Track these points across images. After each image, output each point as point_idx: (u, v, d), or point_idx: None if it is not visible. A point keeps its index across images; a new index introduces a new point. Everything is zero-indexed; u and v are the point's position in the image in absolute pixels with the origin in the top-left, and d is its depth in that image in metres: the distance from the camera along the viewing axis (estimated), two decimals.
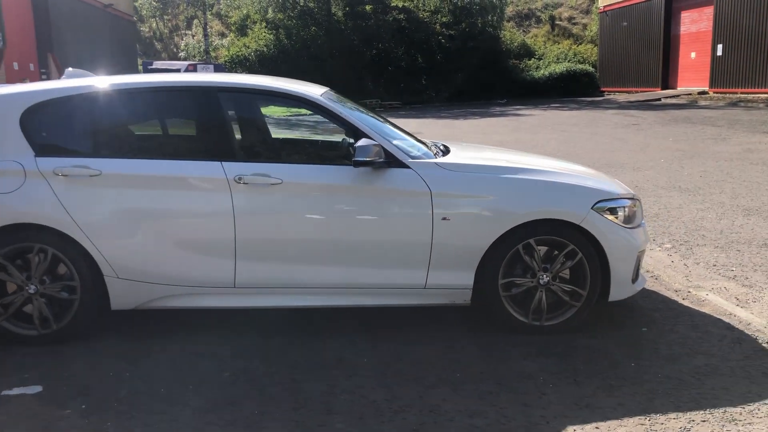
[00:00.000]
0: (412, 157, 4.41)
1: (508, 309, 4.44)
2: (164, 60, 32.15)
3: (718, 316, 4.83)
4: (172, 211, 4.26)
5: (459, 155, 4.80)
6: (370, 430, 3.31)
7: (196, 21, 35.50)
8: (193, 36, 35.17)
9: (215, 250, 4.26)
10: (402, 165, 4.33)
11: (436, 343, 4.34)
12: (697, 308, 5.00)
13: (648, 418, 3.43)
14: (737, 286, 5.50)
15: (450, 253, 4.35)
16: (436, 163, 4.40)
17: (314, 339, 4.39)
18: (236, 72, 31.74)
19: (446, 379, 3.85)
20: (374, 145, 4.19)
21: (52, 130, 4.34)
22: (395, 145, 4.41)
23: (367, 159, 4.13)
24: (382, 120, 5.44)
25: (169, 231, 4.26)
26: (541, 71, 34.21)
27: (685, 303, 5.11)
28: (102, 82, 4.47)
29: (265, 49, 31.49)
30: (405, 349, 4.24)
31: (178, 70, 25.02)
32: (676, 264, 6.13)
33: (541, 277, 4.41)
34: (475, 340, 4.38)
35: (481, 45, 33.25)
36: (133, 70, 26.67)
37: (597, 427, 3.35)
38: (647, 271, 5.85)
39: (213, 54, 32.49)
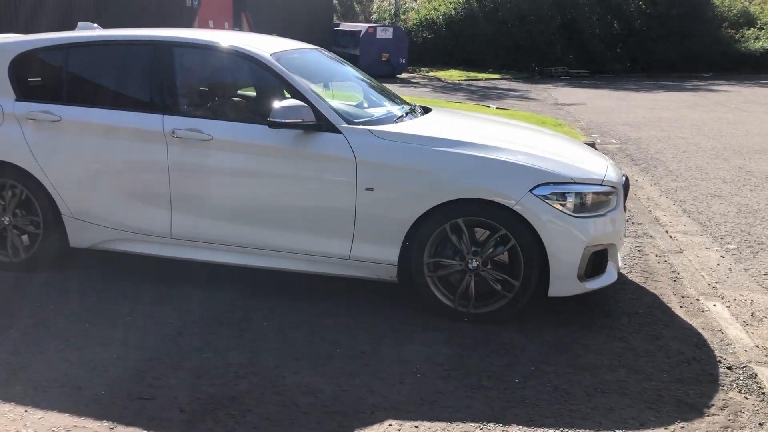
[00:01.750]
0: (351, 122, 4.22)
1: (433, 291, 4.15)
2: (351, 22, 33.07)
3: (700, 331, 4.15)
4: (118, 160, 4.49)
5: (413, 123, 4.53)
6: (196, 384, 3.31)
7: None
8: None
9: (154, 200, 4.44)
10: (334, 129, 4.17)
11: (346, 317, 4.19)
12: (686, 318, 4.33)
13: (480, 426, 3.07)
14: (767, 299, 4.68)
15: (374, 226, 4.14)
16: (369, 130, 4.18)
17: (236, 296, 4.42)
18: (421, 35, 31.87)
19: (316, 354, 3.71)
20: (298, 106, 4.07)
21: (32, 77, 4.73)
22: (332, 108, 4.24)
23: (284, 120, 4.03)
24: (367, 81, 5.28)
25: (116, 178, 4.50)
26: (761, 42, 30.45)
27: (678, 311, 4.44)
28: (79, 35, 4.79)
29: (453, 12, 31.17)
30: (313, 320, 4.13)
31: (358, 32, 25.73)
32: (719, 267, 5.32)
33: (470, 260, 4.06)
34: (387, 320, 4.16)
35: (690, 11, 30.24)
36: (327, 32, 27.76)
37: (416, 426, 3.07)
38: (674, 272, 5.14)
39: (403, 17, 32.82)
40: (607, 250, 4.20)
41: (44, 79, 4.72)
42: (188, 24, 20.88)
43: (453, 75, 27.45)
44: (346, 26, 27.57)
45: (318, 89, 4.53)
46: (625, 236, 4.68)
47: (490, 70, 29.22)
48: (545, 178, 3.98)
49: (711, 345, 3.96)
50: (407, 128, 4.32)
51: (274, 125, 4.03)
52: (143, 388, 3.29)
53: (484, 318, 4.11)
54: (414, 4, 34.73)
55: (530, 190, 3.93)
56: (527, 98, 19.62)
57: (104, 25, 5.55)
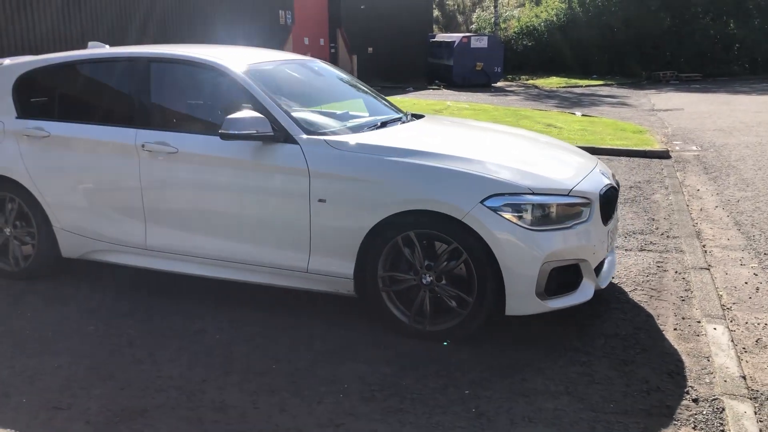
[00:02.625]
0: (311, 133, 4.13)
1: (388, 306, 3.98)
2: (452, 33, 32.88)
3: (683, 357, 3.74)
4: (98, 173, 4.62)
5: (383, 132, 4.39)
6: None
7: None
8: (486, 9, 35.30)
9: (130, 212, 4.53)
10: (292, 140, 4.10)
11: (299, 332, 4.08)
12: (673, 342, 3.92)
13: None
14: None
15: (328, 238, 4.03)
16: (325, 140, 4.07)
17: (202, 308, 4.42)
18: (522, 43, 31.22)
19: (249, 369, 3.62)
20: (252, 117, 4.02)
21: (32, 95, 4.97)
22: (292, 119, 4.17)
23: (237, 132, 3.99)
24: (362, 90, 5.19)
25: (96, 191, 4.64)
26: None
27: (669, 334, 4.03)
28: (69, 55, 4.99)
29: (555, 19, 30.36)
30: (265, 334, 4.06)
31: (452, 42, 25.56)
32: (745, 286, 4.81)
33: (423, 275, 3.86)
34: (341, 336, 4.01)
35: None
36: (424, 43, 27.76)
37: None
38: (687, 290, 4.69)
39: (503, 25, 32.29)
40: (579, 266, 3.88)
41: (41, 98, 4.95)
42: (282, 41, 21.50)
43: (552, 82, 26.70)
44: (441, 37, 27.47)
45: (291, 100, 4.49)
46: (610, 249, 4.29)
47: (594, 76, 28.22)
48: (498, 188, 3.72)
49: (687, 374, 3.55)
50: (368, 138, 4.18)
51: (226, 137, 4.00)
52: (64, 398, 3.34)
53: (441, 336, 3.89)
54: (515, 12, 34.13)
55: (481, 202, 3.69)
56: (623, 104, 18.75)
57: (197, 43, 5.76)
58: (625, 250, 5.61)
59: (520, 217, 3.68)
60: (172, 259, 4.50)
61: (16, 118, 4.90)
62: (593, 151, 10.31)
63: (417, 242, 3.83)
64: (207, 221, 4.32)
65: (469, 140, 4.53)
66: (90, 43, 5.50)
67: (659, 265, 5.24)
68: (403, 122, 4.83)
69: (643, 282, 4.87)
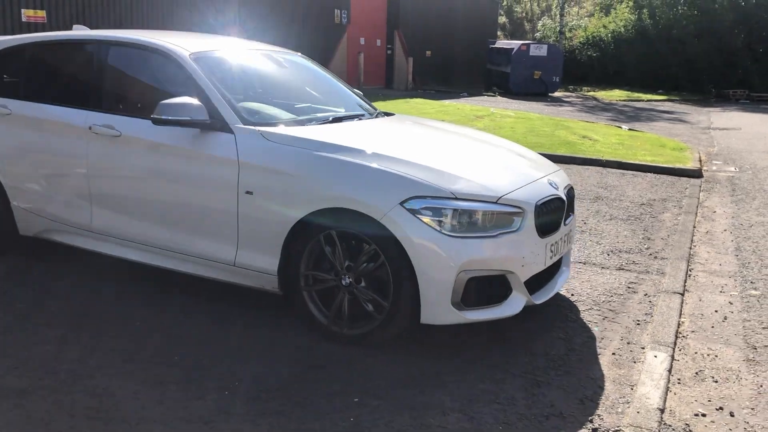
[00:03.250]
0: (251, 123, 4.04)
1: (309, 306, 3.85)
2: (515, 40, 32.35)
3: (606, 384, 3.49)
4: (51, 153, 4.66)
5: (330, 127, 4.29)
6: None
7: (567, 1, 34.88)
8: (554, 17, 34.55)
9: (78, 194, 4.55)
10: (227, 129, 4.02)
11: (222, 326, 4.01)
12: (603, 368, 3.66)
13: None
14: (737, 358, 3.87)
15: (255, 232, 3.93)
16: (259, 131, 3.97)
17: (144, 295, 4.39)
18: (586, 54, 30.45)
19: (149, 359, 3.55)
20: (187, 104, 3.96)
21: (2, 74, 5.06)
22: (232, 108, 4.08)
23: (169, 117, 3.94)
24: (335, 85, 5.12)
25: (49, 170, 4.68)
26: None
27: (604, 358, 3.77)
28: (38, 36, 5.05)
29: (622, 30, 29.48)
30: (190, 324, 3.99)
31: (510, 50, 25.15)
32: (713, 315, 4.49)
33: (343, 277, 3.72)
34: (261, 333, 3.91)
35: None
36: (484, 49, 27.41)
37: None
38: (647, 314, 4.40)
39: (568, 35, 31.57)
40: (507, 278, 3.66)
41: (10, 76, 5.03)
42: (335, 41, 21.57)
43: (613, 95, 25.97)
44: (501, 44, 27.08)
45: (245, 90, 4.44)
46: (554, 263, 4.05)
47: (660, 91, 27.30)
48: (419, 190, 3.54)
49: (600, 401, 3.30)
50: (307, 132, 4.06)
51: (157, 122, 3.96)
52: None
53: (360, 340, 3.74)
54: (581, 21, 33.33)
55: (401, 203, 3.52)
56: (679, 121, 18.07)
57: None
58: (602, 267, 5.32)
59: (439, 222, 3.50)
60: (114, 243, 4.49)
61: None
62: (619, 165, 9.94)
63: (338, 242, 3.70)
64: (144, 207, 4.29)
65: (415, 141, 4.37)
66: (74, 26, 5.57)
67: (630, 286, 4.94)
68: (361, 119, 4.70)
69: (603, 302, 4.59)
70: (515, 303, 3.73)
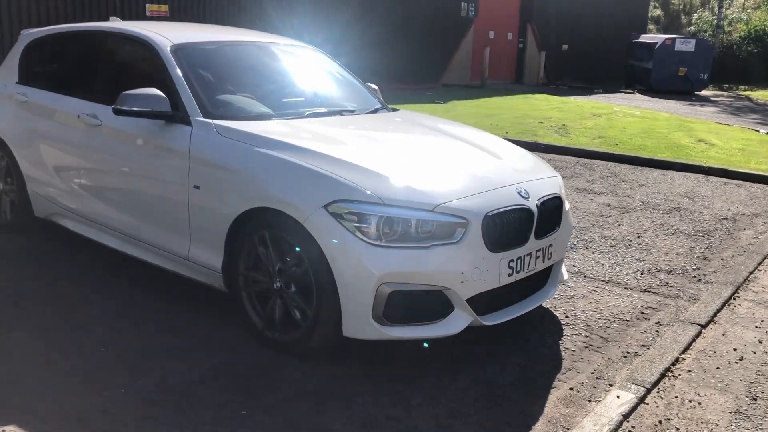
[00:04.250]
0: (213, 117, 3.94)
1: (247, 308, 3.69)
2: (667, 34, 30.13)
3: (536, 425, 3.06)
4: (51, 139, 4.82)
5: (288, 122, 4.09)
6: None
7: None
8: (713, 9, 31.75)
9: (72, 180, 4.67)
10: (187, 122, 3.94)
11: (154, 318, 3.93)
12: (549, 404, 3.22)
13: None
14: (724, 409, 3.28)
15: (201, 228, 3.82)
16: (214, 124, 3.85)
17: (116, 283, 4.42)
18: (746, 49, 27.79)
19: (50, 354, 3.48)
20: (149, 95, 3.91)
21: (32, 63, 5.31)
22: (198, 100, 3.98)
23: (130, 108, 3.91)
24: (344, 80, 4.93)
25: (52, 156, 4.84)
26: None
27: (555, 392, 3.32)
28: (61, 27, 5.24)
29: None
30: (125, 320, 3.93)
31: (654, 44, 23.51)
32: (724, 354, 3.86)
33: (275, 280, 3.53)
34: (196, 333, 3.79)
35: None
36: (624, 44, 25.79)
37: None
38: (643, 346, 3.86)
39: (727, 28, 28.95)
40: (446, 294, 3.31)
41: (36, 65, 5.26)
42: (461, 34, 21.19)
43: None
44: (644, 38, 25.37)
45: (226, 84, 4.36)
46: (505, 280, 3.59)
47: None
48: (345, 194, 3.27)
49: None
50: (260, 127, 3.88)
51: (118, 112, 3.94)
52: None
53: (290, 348, 3.53)
54: (743, 14, 30.49)
55: (325, 206, 3.27)
56: None
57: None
58: (624, 288, 4.74)
59: (364, 229, 3.21)
60: (98, 229, 4.56)
61: (16, 83, 5.26)
62: (724, 173, 8.96)
63: (270, 243, 3.51)
64: (118, 196, 4.33)
65: (379, 141, 4.07)
66: (110, 18, 5.75)
67: (645, 312, 4.35)
68: (343, 115, 4.48)
69: (598, 328, 4.07)
70: (455, 322, 3.37)
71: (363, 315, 3.24)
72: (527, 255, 3.61)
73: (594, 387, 3.40)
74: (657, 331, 4.07)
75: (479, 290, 3.39)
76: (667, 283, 4.87)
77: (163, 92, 3.93)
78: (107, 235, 4.49)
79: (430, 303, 3.32)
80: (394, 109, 4.90)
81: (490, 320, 3.50)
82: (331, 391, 3.22)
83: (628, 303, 4.47)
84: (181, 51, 4.29)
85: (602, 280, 4.86)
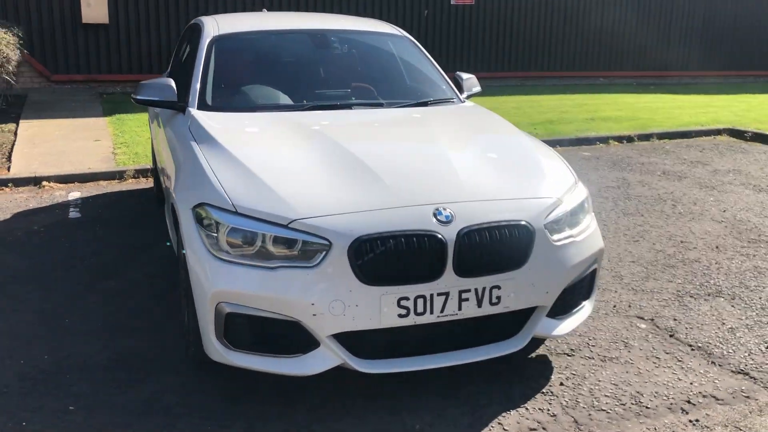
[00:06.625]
0: (212, 108, 3.87)
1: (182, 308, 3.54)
2: None
3: None
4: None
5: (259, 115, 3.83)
6: None
7: None
8: None
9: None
10: (184, 112, 3.92)
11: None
12: None
13: None
14: None
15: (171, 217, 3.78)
16: (194, 116, 3.73)
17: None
18: None
19: None
20: (158, 84, 3.97)
21: None
22: (199, 92, 3.95)
23: (144, 98, 3.99)
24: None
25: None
26: None
27: None
28: None
29: None
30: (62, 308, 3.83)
31: None
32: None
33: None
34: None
35: None
36: None
37: None
38: (637, 406, 2.73)
39: None
40: (303, 325, 2.73)
41: None
42: None
43: None
44: None
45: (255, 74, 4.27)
46: (397, 322, 2.74)
47: None
48: (210, 197, 2.92)
49: None
50: (225, 120, 3.73)
51: (135, 101, 4.07)
52: None
53: (187, 353, 3.29)
54: None
55: (192, 207, 2.98)
56: None
57: None
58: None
59: (214, 238, 2.83)
60: None
61: None
62: None
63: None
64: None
65: (327, 141, 3.42)
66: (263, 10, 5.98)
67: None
68: (380, 108, 4.14)
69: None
70: (315, 362, 2.76)
71: (209, 334, 2.85)
72: (440, 295, 2.77)
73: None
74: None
75: (346, 328, 2.71)
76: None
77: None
78: None
79: (286, 334, 2.77)
80: (460, 102, 4.27)
81: (372, 367, 2.79)
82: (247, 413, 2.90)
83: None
84: (220, 41, 4.27)
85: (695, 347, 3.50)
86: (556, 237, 2.98)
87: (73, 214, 5.61)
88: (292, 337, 2.75)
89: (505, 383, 3.11)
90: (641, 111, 10.94)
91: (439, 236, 2.71)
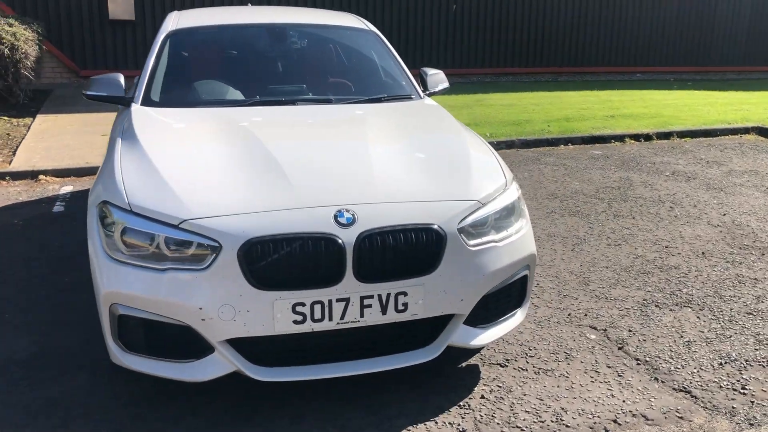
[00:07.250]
0: (154, 104, 3.83)
1: None
2: None
3: None
4: None
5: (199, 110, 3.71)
6: None
7: None
8: None
9: None
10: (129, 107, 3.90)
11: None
12: None
13: None
14: None
15: None
16: (132, 112, 3.70)
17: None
18: None
19: None
20: (107, 80, 3.96)
21: None
22: (150, 87, 3.91)
23: (89, 93, 3.96)
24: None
25: None
26: None
27: None
28: None
29: None
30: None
31: None
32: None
33: None
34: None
35: None
36: None
37: None
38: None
39: None
40: (196, 330, 2.66)
41: None
42: None
43: None
44: None
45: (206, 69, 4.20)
46: (291, 328, 2.64)
47: None
48: (111, 195, 2.86)
49: None
50: (160, 115, 3.66)
51: (86, 97, 4.05)
52: None
53: None
54: None
55: (97, 205, 2.92)
56: None
57: None
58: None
59: (109, 237, 2.77)
60: None
61: None
62: None
63: None
64: None
65: (244, 138, 3.30)
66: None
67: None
68: (296, 105, 3.94)
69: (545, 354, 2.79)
70: (208, 368, 2.68)
71: (106, 336, 2.79)
72: (340, 301, 2.65)
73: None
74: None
75: (238, 334, 2.62)
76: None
77: None
78: None
79: (180, 338, 2.68)
80: (419, 99, 4.13)
81: (266, 375, 2.69)
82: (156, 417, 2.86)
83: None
84: (175, 36, 4.22)
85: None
86: (473, 242, 2.82)
87: (58, 208, 5.66)
88: (186, 341, 2.67)
89: (424, 394, 2.97)
90: (667, 108, 10.51)
91: (338, 239, 2.59)
